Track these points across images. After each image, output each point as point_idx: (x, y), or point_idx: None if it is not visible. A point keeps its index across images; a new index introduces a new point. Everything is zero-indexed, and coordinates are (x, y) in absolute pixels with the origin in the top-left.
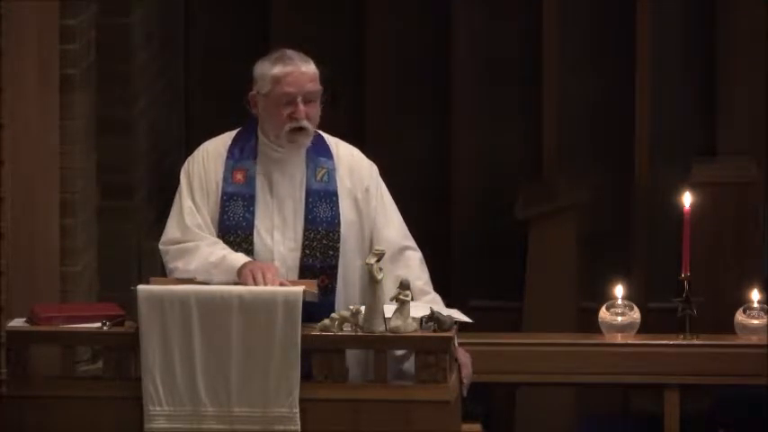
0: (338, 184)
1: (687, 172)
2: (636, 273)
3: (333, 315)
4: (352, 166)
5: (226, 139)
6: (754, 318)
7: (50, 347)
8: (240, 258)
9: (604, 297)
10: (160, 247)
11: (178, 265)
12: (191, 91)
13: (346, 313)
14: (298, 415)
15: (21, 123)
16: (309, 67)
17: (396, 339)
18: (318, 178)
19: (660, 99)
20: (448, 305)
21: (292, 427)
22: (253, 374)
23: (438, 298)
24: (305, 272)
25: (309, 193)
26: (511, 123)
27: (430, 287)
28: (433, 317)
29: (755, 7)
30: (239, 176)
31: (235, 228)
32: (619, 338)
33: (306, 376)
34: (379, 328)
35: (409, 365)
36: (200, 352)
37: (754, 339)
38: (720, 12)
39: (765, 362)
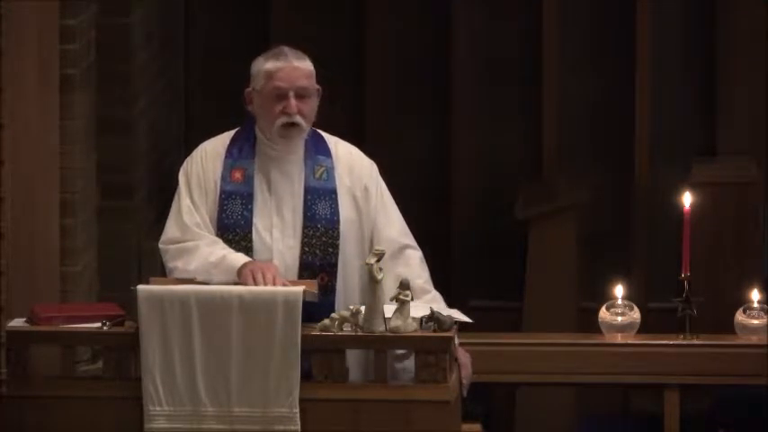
0: (337, 182)
1: (687, 172)
2: (636, 273)
3: (333, 315)
4: (352, 165)
5: (225, 138)
6: (754, 318)
7: (50, 347)
8: (240, 258)
9: (604, 297)
10: (160, 246)
11: (178, 265)
12: (191, 91)
13: (346, 313)
14: (298, 415)
15: (21, 123)
16: (303, 63)
17: (396, 339)
18: (317, 176)
19: (660, 99)
20: (448, 305)
21: (292, 427)
22: (253, 374)
23: (439, 296)
24: (304, 270)
25: (308, 191)
26: (511, 123)
27: (430, 285)
28: (433, 317)
29: (755, 7)
30: (238, 175)
31: (233, 226)
32: (619, 338)
33: (306, 376)
34: (379, 328)
35: (403, 365)
36: (200, 352)
37: (754, 339)
38: (720, 12)
39: (765, 362)
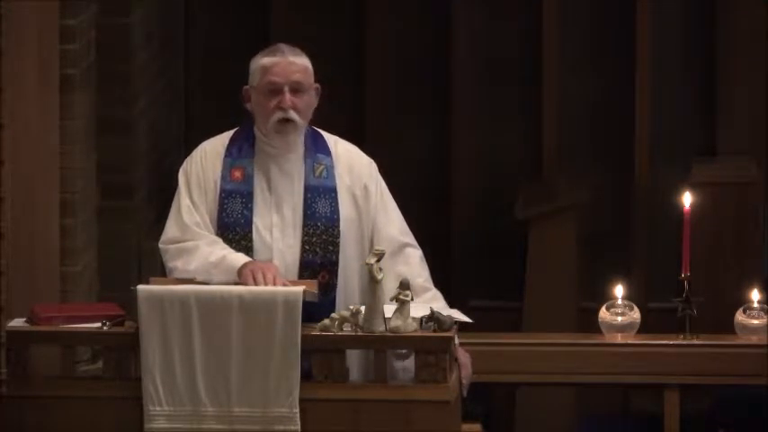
0: (337, 181)
1: (687, 172)
2: (636, 273)
3: (333, 315)
4: (351, 164)
5: (224, 138)
6: (754, 318)
7: (50, 347)
8: (240, 258)
9: (604, 297)
10: (160, 246)
11: (177, 265)
12: (191, 91)
13: (346, 313)
14: (298, 415)
15: (21, 123)
16: (299, 59)
17: (396, 339)
18: (317, 174)
19: (660, 99)
20: (448, 305)
21: (292, 427)
22: (253, 374)
23: (439, 294)
24: (305, 268)
25: (308, 190)
26: (511, 123)
27: (431, 284)
28: (433, 317)
29: (755, 7)
30: (237, 174)
31: (233, 225)
32: (619, 338)
33: (306, 376)
34: (379, 328)
35: (403, 365)
36: (200, 352)
37: (754, 339)
38: (720, 12)
39: (765, 362)
